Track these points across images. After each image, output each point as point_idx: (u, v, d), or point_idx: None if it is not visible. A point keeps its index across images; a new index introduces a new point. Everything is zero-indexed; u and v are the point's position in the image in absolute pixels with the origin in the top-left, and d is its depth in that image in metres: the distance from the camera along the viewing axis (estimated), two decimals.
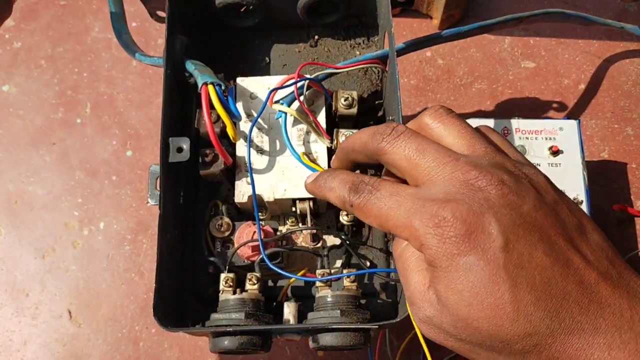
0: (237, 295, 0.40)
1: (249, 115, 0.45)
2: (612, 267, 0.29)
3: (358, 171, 0.37)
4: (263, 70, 0.50)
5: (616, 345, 0.27)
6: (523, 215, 0.29)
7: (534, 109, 0.60)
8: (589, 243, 0.29)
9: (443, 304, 0.29)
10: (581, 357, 0.27)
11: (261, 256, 0.41)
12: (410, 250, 0.31)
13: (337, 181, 0.34)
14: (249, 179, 0.43)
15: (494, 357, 0.29)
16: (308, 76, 0.44)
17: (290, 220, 0.45)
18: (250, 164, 0.42)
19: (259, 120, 0.45)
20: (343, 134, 0.43)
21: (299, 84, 0.43)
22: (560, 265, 0.28)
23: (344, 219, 0.44)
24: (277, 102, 0.43)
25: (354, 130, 0.43)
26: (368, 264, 0.45)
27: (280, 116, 0.43)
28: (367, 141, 0.33)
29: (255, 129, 0.45)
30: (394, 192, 0.31)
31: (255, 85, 0.46)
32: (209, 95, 0.41)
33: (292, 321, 0.41)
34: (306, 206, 0.43)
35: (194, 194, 0.47)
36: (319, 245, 0.44)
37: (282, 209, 0.45)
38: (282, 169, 0.43)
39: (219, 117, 0.41)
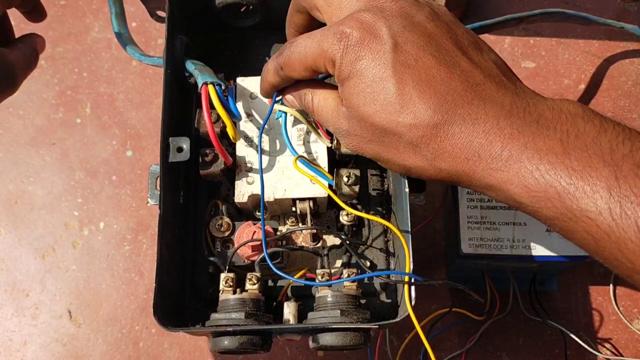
0: (237, 295, 0.40)
1: (249, 115, 0.45)
2: (503, 75, 0.33)
3: None
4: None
5: (493, 131, 0.30)
6: (415, 23, 0.33)
7: None
8: (481, 55, 0.33)
9: (350, 111, 0.34)
10: (462, 145, 0.31)
11: (261, 256, 0.41)
12: (317, 100, 0.37)
13: (270, 61, 0.38)
14: (249, 179, 0.43)
15: (395, 155, 0.33)
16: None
17: (290, 220, 0.45)
18: (261, 164, 0.41)
19: (259, 120, 0.45)
20: None
21: None
22: (447, 66, 0.32)
23: (344, 219, 0.44)
24: (277, 102, 0.43)
25: None
26: (368, 264, 0.45)
27: (280, 116, 0.43)
28: None
29: (255, 129, 0.45)
30: (308, 35, 0.35)
31: (256, 85, 0.46)
32: (209, 95, 0.41)
33: (292, 321, 0.41)
34: (306, 206, 0.43)
35: (194, 194, 0.47)
36: (319, 245, 0.44)
37: (282, 209, 0.45)
38: (282, 169, 0.43)
39: (219, 117, 0.41)
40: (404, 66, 0.31)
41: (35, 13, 0.46)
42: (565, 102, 0.31)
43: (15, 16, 0.64)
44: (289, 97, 0.40)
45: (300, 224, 0.45)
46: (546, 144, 0.29)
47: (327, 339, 0.38)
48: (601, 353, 0.52)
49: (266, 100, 0.44)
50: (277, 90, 0.40)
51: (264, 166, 0.44)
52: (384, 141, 0.33)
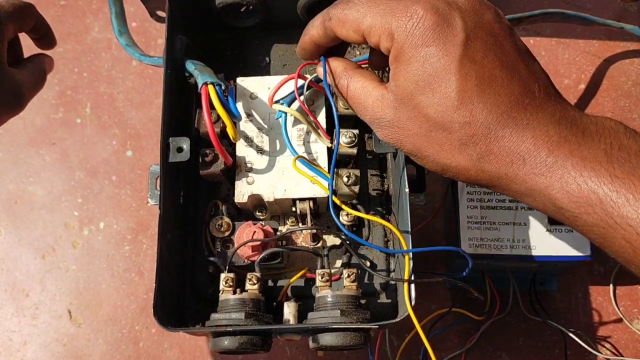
0: (237, 295, 0.40)
1: (249, 115, 0.45)
2: (552, 87, 0.33)
3: None
4: (263, 70, 0.50)
5: (541, 137, 0.31)
6: (484, 21, 0.32)
7: None
8: (534, 64, 0.33)
9: (400, 99, 0.33)
10: (510, 148, 0.31)
11: (261, 256, 0.41)
12: (355, 85, 0.35)
13: (318, 14, 0.37)
14: (249, 179, 0.43)
15: (436, 152, 0.33)
16: (308, 76, 0.44)
17: (290, 220, 0.45)
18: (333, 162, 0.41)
19: (259, 120, 0.45)
20: (343, 134, 0.43)
21: (298, 84, 0.43)
22: (508, 69, 0.32)
23: (343, 219, 0.44)
24: (277, 102, 0.43)
25: (355, 130, 0.43)
26: (368, 263, 0.45)
27: (280, 116, 0.43)
28: None
29: (255, 129, 0.45)
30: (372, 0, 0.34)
31: (255, 85, 0.46)
32: (209, 95, 0.41)
33: (292, 321, 0.41)
34: (306, 206, 0.43)
35: (194, 194, 0.47)
36: (319, 245, 0.44)
37: (282, 209, 0.45)
38: (282, 169, 0.43)
39: (219, 117, 0.41)
40: (470, 62, 0.31)
41: (45, 40, 0.46)
42: (607, 119, 0.32)
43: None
44: (320, 69, 0.38)
45: (300, 224, 0.45)
46: (591, 153, 0.30)
47: (327, 339, 0.38)
48: (601, 353, 0.52)
49: (266, 100, 0.44)
50: (314, 49, 0.38)
51: (264, 166, 0.44)
52: (430, 136, 0.32)
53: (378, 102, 0.34)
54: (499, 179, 0.32)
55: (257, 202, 0.44)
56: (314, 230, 0.44)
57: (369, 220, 0.45)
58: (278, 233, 0.44)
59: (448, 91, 0.31)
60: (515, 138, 0.31)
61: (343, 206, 0.40)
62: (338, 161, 0.45)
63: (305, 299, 0.43)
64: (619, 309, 0.54)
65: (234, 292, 0.40)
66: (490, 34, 0.32)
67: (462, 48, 0.31)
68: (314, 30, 0.37)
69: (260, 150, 0.44)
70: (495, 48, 0.32)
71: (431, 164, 0.34)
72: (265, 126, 0.45)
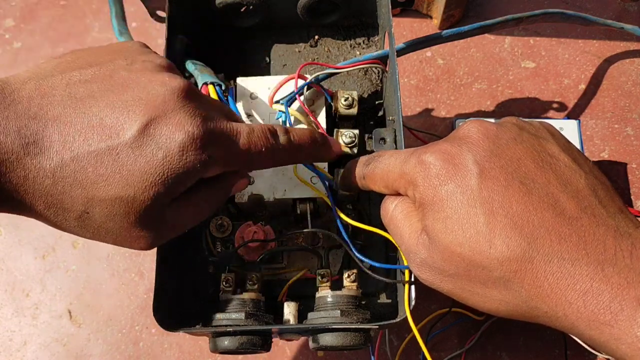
0: (237, 295, 0.40)
1: (249, 115, 0.45)
2: (601, 206, 0.30)
3: None
4: (263, 70, 0.50)
5: (598, 277, 0.27)
6: (501, 146, 0.31)
7: (534, 109, 0.61)
8: (577, 180, 0.30)
9: (432, 240, 0.31)
10: (563, 286, 0.28)
11: (261, 256, 0.41)
12: (398, 210, 0.35)
13: (359, 165, 0.38)
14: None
15: (481, 291, 0.30)
16: (308, 76, 0.44)
17: (290, 221, 0.45)
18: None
19: (259, 120, 0.45)
20: (343, 134, 0.43)
21: (299, 84, 0.43)
22: (538, 195, 0.29)
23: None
24: (277, 102, 0.43)
25: (355, 131, 0.43)
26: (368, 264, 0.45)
27: (280, 116, 0.43)
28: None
29: None
30: (393, 153, 0.35)
31: (255, 85, 0.46)
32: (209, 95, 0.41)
33: (292, 321, 0.41)
34: (306, 206, 0.43)
35: None
36: (319, 245, 0.44)
37: (282, 209, 0.45)
38: (282, 170, 0.43)
39: None
40: (492, 193, 0.29)
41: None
42: None
43: (15, 15, 0.65)
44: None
45: (300, 224, 0.45)
46: None
47: (327, 339, 0.38)
48: (601, 353, 0.52)
49: (266, 100, 0.44)
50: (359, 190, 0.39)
51: None
52: (469, 275, 0.30)
53: (414, 236, 0.33)
54: (557, 319, 0.29)
55: (257, 202, 0.44)
56: (314, 231, 0.44)
57: (369, 220, 0.45)
58: (278, 233, 0.44)
59: (477, 226, 0.29)
60: (566, 276, 0.28)
61: (343, 216, 0.40)
62: (338, 162, 0.45)
63: (305, 299, 0.43)
64: None
65: (234, 292, 0.40)
66: (511, 159, 0.30)
67: (479, 180, 0.30)
68: (354, 180, 0.38)
69: None
70: (517, 174, 0.30)
71: (478, 305, 0.32)
72: None
